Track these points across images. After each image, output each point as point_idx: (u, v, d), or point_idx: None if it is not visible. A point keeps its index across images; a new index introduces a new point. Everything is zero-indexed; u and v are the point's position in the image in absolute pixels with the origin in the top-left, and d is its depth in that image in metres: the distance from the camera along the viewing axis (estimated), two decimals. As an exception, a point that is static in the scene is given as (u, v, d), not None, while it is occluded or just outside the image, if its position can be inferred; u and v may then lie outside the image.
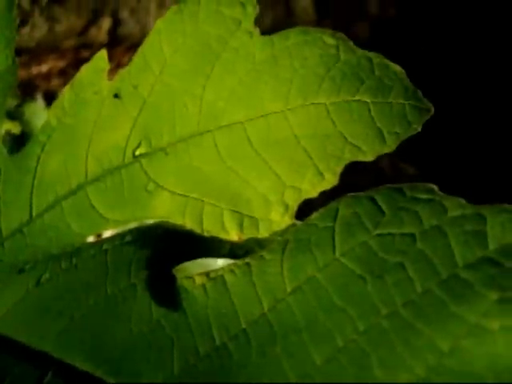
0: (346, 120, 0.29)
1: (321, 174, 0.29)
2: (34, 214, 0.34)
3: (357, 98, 0.30)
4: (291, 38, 0.31)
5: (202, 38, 0.33)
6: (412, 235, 0.25)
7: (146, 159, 0.33)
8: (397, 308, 0.25)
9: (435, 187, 0.26)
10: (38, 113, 0.64)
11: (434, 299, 0.24)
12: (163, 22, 0.34)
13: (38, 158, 0.35)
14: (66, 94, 0.35)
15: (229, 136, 0.31)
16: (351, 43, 0.31)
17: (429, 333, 0.24)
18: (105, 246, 0.32)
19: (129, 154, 0.33)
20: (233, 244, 0.30)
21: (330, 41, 0.31)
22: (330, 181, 0.29)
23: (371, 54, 0.30)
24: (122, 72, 0.34)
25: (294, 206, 0.29)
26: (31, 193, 0.34)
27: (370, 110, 0.29)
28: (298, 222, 0.30)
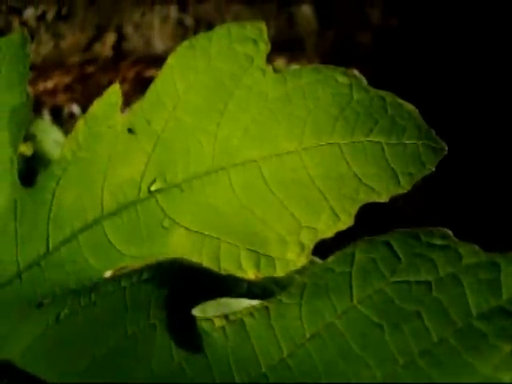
0: (360, 161, 0.30)
1: (336, 215, 0.30)
2: (50, 246, 0.35)
3: (370, 138, 0.30)
4: (304, 77, 0.31)
5: (214, 74, 0.33)
6: (428, 283, 0.26)
7: (162, 195, 0.33)
8: (413, 357, 0.25)
9: (450, 232, 0.27)
10: (47, 130, 0.64)
11: (449, 349, 0.25)
12: (175, 57, 0.34)
13: (54, 191, 0.35)
14: (79, 128, 0.35)
15: (243, 174, 0.32)
16: (364, 81, 0.31)
17: (444, 383, 0.24)
18: (123, 283, 0.32)
19: (144, 189, 0.33)
20: (250, 283, 0.31)
21: (343, 79, 0.31)
22: (346, 222, 0.30)
23: (384, 93, 0.30)
24: (135, 106, 0.34)
25: (310, 245, 0.30)
26: (47, 225, 0.35)
27: (383, 151, 0.30)
28: (315, 259, 0.30)
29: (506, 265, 0.25)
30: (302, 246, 0.30)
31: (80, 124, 0.35)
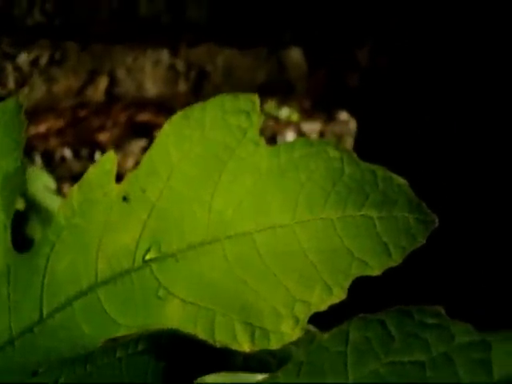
0: (352, 235, 0.30)
1: (329, 288, 0.30)
2: (44, 313, 0.35)
3: (362, 212, 0.31)
4: (296, 150, 0.32)
5: (208, 145, 0.33)
6: (421, 363, 0.27)
7: (156, 264, 0.33)
8: None
9: (442, 310, 0.28)
10: (37, 175, 0.64)
11: None
12: (170, 125, 0.34)
13: (48, 257, 0.35)
14: (74, 194, 0.35)
15: (238, 246, 0.32)
16: (355, 155, 0.32)
17: None
18: (118, 354, 0.32)
19: (139, 257, 0.34)
20: (245, 355, 0.31)
21: (334, 153, 0.32)
22: (339, 295, 0.30)
23: (375, 167, 0.31)
24: (130, 175, 0.35)
25: (304, 318, 0.30)
26: (41, 292, 0.35)
27: (375, 225, 0.30)
28: (311, 327, 0.31)
29: (497, 344, 0.26)
30: (297, 320, 0.30)
31: (74, 190, 0.35)
